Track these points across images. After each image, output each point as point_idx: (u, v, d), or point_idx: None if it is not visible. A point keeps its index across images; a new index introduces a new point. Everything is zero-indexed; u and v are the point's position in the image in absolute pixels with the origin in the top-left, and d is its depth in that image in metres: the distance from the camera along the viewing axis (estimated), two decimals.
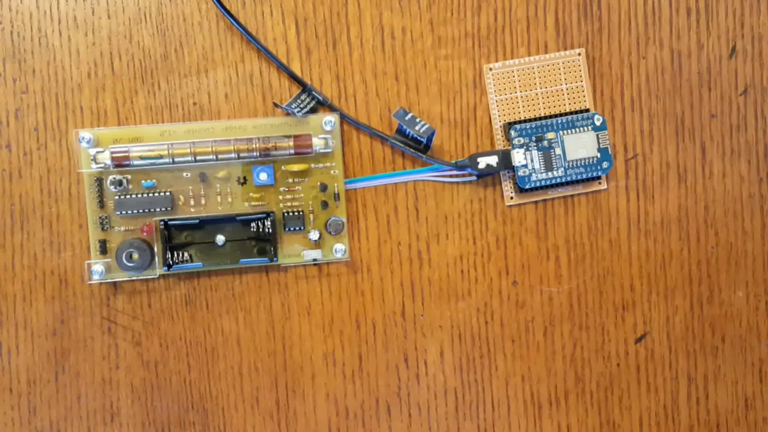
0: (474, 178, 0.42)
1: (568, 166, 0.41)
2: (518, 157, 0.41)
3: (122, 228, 0.40)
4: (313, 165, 0.41)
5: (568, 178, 0.41)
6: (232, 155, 0.39)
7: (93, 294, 0.41)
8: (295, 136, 0.40)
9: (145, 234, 0.40)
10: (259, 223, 0.40)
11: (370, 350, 0.42)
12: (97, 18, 0.41)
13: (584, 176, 0.41)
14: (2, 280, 0.41)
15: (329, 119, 0.40)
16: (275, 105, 0.41)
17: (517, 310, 0.42)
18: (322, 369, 0.42)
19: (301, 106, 0.40)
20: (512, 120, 0.42)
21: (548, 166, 0.41)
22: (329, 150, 0.40)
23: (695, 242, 0.43)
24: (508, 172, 0.42)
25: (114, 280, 0.40)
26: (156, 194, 0.40)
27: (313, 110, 0.41)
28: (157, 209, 0.40)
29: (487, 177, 0.42)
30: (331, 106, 0.41)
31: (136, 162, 0.39)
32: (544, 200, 0.42)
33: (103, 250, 0.40)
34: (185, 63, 0.41)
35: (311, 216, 0.41)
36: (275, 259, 0.40)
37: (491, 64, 0.42)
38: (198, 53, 0.41)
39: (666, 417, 0.43)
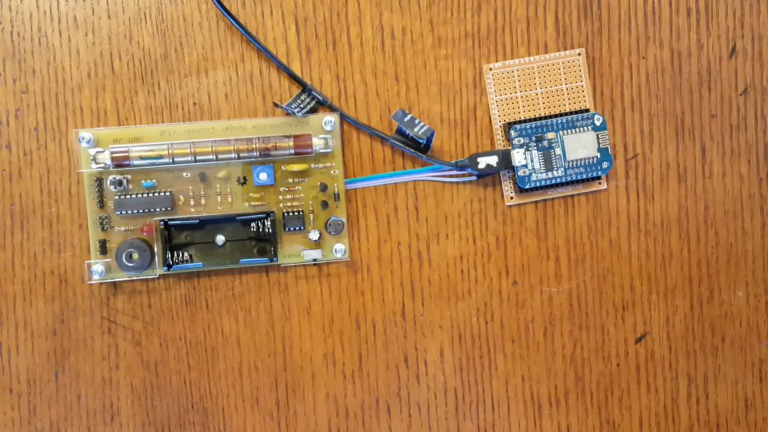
0: (474, 178, 0.42)
1: (568, 166, 0.41)
2: (518, 157, 0.41)
3: (122, 228, 0.40)
4: (313, 165, 0.41)
5: (568, 178, 0.41)
6: (232, 155, 0.39)
7: (93, 294, 0.41)
8: (295, 136, 0.40)
9: (145, 234, 0.40)
10: (259, 223, 0.40)
11: (370, 350, 0.42)
12: (97, 18, 0.41)
13: (584, 176, 0.41)
14: (2, 280, 0.41)
15: (329, 119, 0.40)
16: (275, 105, 0.41)
17: (517, 310, 0.42)
18: (322, 369, 0.42)
19: (301, 106, 0.40)
20: (512, 120, 0.42)
21: (548, 166, 0.41)
22: (329, 150, 0.40)
23: (695, 242, 0.43)
24: (508, 172, 0.42)
25: (114, 280, 0.40)
26: (156, 194, 0.40)
27: (313, 110, 0.41)
28: (157, 209, 0.40)
29: (487, 177, 0.42)
30: (331, 106, 0.41)
31: (136, 162, 0.39)
32: (544, 200, 0.42)
33: (103, 250, 0.40)
34: (185, 63, 0.41)
35: (311, 216, 0.41)
36: (275, 259, 0.40)
37: (491, 64, 0.42)
38: (198, 53, 0.41)
39: (666, 417, 0.43)
